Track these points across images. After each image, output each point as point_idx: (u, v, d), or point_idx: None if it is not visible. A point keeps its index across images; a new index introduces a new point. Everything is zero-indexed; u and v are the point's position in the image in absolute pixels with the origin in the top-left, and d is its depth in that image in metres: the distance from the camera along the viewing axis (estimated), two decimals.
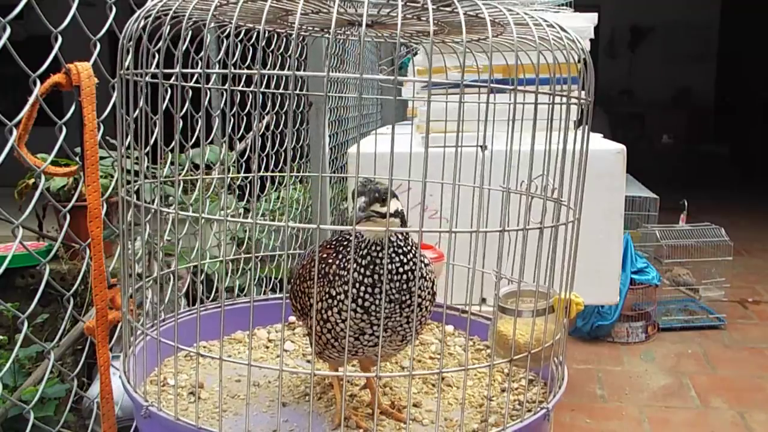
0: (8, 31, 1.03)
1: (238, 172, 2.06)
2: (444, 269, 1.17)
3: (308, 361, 1.17)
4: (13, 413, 1.40)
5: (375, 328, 0.90)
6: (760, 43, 8.96)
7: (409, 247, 0.91)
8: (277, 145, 2.16)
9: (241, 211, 2.08)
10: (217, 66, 1.82)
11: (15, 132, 1.03)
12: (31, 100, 1.02)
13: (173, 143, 1.19)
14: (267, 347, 1.25)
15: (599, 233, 1.83)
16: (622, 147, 1.89)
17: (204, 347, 1.19)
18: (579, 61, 0.92)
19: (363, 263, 0.90)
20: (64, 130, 1.20)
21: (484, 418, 0.98)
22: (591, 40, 2.00)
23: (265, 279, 2.12)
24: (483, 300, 1.30)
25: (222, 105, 1.92)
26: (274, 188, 2.30)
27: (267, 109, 2.08)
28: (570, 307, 0.96)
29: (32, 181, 2.03)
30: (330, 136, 2.61)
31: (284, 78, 2.07)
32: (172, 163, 1.40)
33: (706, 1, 9.38)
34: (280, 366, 0.82)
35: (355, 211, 0.86)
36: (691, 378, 3.11)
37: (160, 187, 0.91)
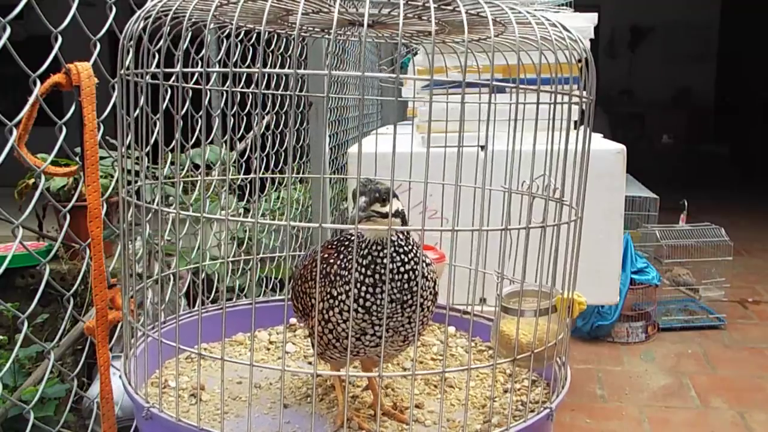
0: (8, 31, 1.03)
1: (239, 172, 2.06)
2: (445, 270, 1.16)
3: (310, 363, 1.17)
4: (13, 413, 1.40)
5: (377, 328, 0.90)
6: (760, 43, 8.96)
7: (410, 247, 0.91)
8: (277, 145, 2.16)
9: (241, 211, 2.08)
10: (218, 66, 1.82)
11: (15, 132, 1.03)
12: (31, 100, 1.02)
13: (173, 143, 1.19)
14: (268, 349, 1.25)
15: (599, 233, 1.83)
16: (622, 147, 1.89)
17: (205, 349, 1.19)
18: (580, 61, 0.91)
19: (364, 263, 0.90)
20: (64, 130, 1.20)
21: (487, 419, 0.98)
22: (591, 40, 2.00)
23: (265, 279, 2.12)
24: (483, 300, 1.30)
25: (222, 105, 1.92)
26: (275, 188, 2.30)
27: (267, 109, 2.08)
28: (573, 306, 0.96)
29: (32, 181, 2.02)
30: (330, 136, 2.61)
31: (284, 78, 2.08)
32: (172, 163, 1.40)
33: (706, 1, 9.38)
34: (282, 366, 0.82)
35: (356, 211, 0.85)
36: (691, 378, 3.11)
37: (160, 187, 0.90)
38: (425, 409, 1.04)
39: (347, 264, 0.92)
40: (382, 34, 1.12)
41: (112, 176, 1.52)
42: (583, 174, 0.92)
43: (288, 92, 1.83)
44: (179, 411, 0.87)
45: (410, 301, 0.90)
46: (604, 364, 3.31)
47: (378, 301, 0.89)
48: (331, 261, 0.95)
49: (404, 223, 0.93)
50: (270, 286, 2.14)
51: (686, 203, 4.27)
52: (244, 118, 1.94)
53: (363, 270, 0.89)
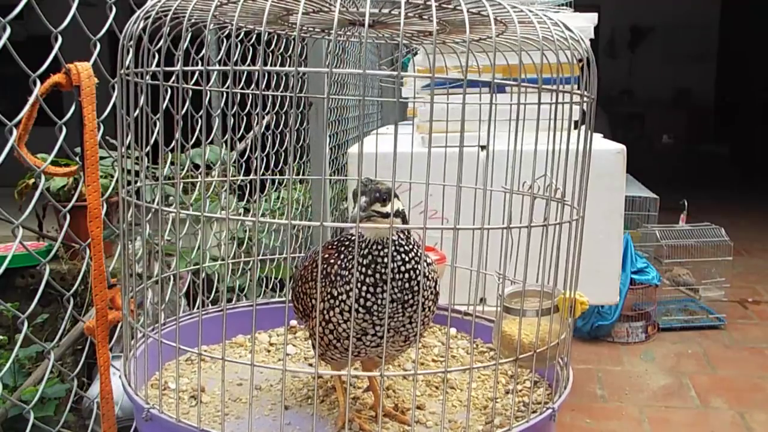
0: (8, 31, 1.03)
1: (239, 172, 2.05)
2: (446, 271, 1.16)
3: (310, 365, 1.17)
4: (13, 413, 1.40)
5: (377, 328, 0.90)
6: (760, 43, 8.96)
7: (410, 246, 0.91)
8: (277, 145, 2.16)
9: (241, 211, 2.08)
10: (218, 66, 1.82)
11: (15, 132, 1.03)
12: (31, 100, 1.02)
13: (173, 143, 1.19)
14: (268, 351, 1.24)
15: (599, 233, 1.83)
16: (622, 147, 1.89)
17: (205, 351, 1.19)
18: (581, 60, 0.91)
19: (364, 263, 0.90)
20: (64, 130, 1.20)
21: (489, 420, 0.97)
22: (591, 40, 2.00)
23: (265, 279, 2.12)
24: (483, 300, 1.30)
25: (222, 105, 1.92)
26: (275, 188, 2.30)
27: (267, 109, 2.08)
28: (575, 306, 0.96)
29: (32, 181, 2.02)
30: (330, 136, 2.61)
31: (284, 79, 2.08)
32: (172, 163, 1.40)
33: (706, 1, 9.38)
34: (283, 366, 0.82)
35: (357, 211, 0.85)
36: (691, 378, 3.11)
37: (160, 187, 0.90)
38: (427, 411, 1.04)
39: (348, 264, 0.92)
40: (382, 35, 1.12)
41: (112, 176, 1.52)
42: (585, 174, 0.92)
43: (288, 93, 1.83)
44: (179, 412, 0.87)
45: (411, 301, 0.90)
46: (604, 364, 3.31)
47: (379, 301, 0.89)
48: (332, 261, 0.95)
49: (405, 222, 0.93)
50: (270, 286, 2.14)
51: (686, 203, 4.27)
52: (244, 118, 1.94)
53: (363, 270, 0.89)
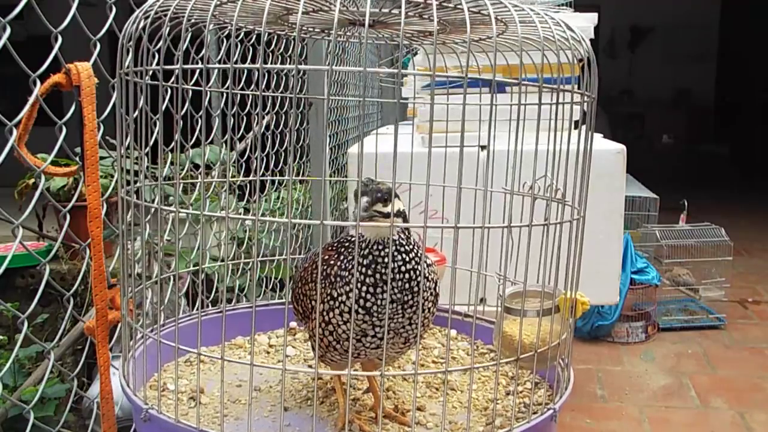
0: (8, 31, 1.02)
1: (238, 172, 2.05)
2: (446, 272, 1.16)
3: (310, 367, 1.17)
4: (13, 413, 1.40)
5: (377, 329, 0.90)
6: (760, 43, 8.96)
7: (410, 246, 0.91)
8: (277, 145, 2.16)
9: (242, 211, 2.08)
10: (217, 69, 1.82)
11: (15, 132, 1.02)
12: (31, 100, 1.02)
13: (173, 143, 1.19)
14: (268, 352, 1.24)
15: (599, 233, 1.83)
16: (622, 147, 1.89)
17: (204, 352, 1.19)
18: (581, 60, 0.91)
19: (365, 263, 0.89)
20: (64, 130, 1.20)
21: (490, 421, 0.97)
22: (591, 40, 2.00)
23: (265, 279, 2.12)
24: (483, 300, 1.30)
25: (222, 105, 1.92)
26: (274, 188, 2.30)
27: (267, 109, 2.08)
28: (576, 306, 0.95)
29: (32, 181, 2.02)
30: (330, 136, 2.61)
31: (284, 79, 2.08)
32: (172, 163, 1.40)
33: (706, 1, 9.38)
34: (282, 366, 0.82)
35: (358, 211, 0.85)
36: (691, 378, 3.11)
37: (160, 187, 0.90)
38: (427, 412, 1.03)
39: (347, 264, 0.91)
40: (382, 35, 1.12)
41: (112, 176, 1.52)
42: (585, 173, 0.92)
43: (288, 94, 1.83)
44: (178, 413, 0.86)
45: (411, 302, 0.90)
46: (604, 364, 3.31)
47: (379, 302, 0.88)
48: (332, 262, 0.94)
49: (405, 222, 0.93)
50: (270, 286, 2.14)
51: (686, 203, 4.27)
52: (244, 118, 1.94)
53: (364, 270, 0.89)
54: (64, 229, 1.27)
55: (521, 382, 1.11)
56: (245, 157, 2.07)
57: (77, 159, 1.58)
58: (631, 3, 9.24)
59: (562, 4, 2.47)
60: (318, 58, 2.15)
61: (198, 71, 0.85)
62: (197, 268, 1.33)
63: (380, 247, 0.89)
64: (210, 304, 1.79)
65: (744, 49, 9.12)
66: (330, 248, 0.98)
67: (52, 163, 1.13)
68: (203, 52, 1.41)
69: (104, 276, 1.00)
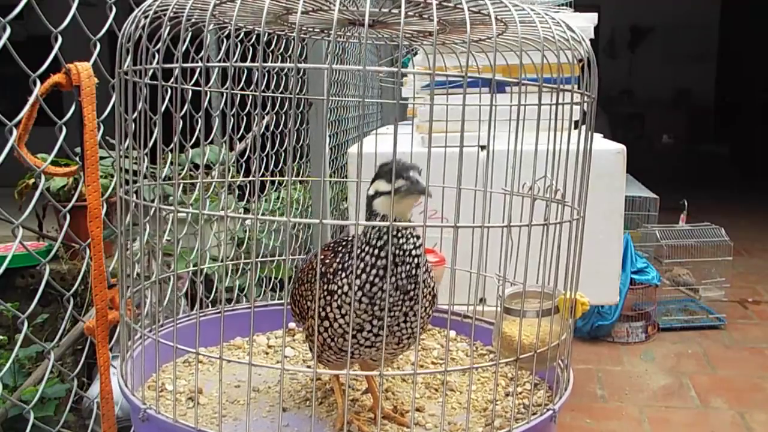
0: (8, 31, 1.02)
1: (238, 172, 2.05)
2: (446, 273, 1.16)
3: (309, 367, 1.17)
4: (13, 413, 1.40)
5: (375, 321, 0.89)
6: (760, 43, 8.96)
7: (417, 234, 0.90)
8: (277, 145, 2.16)
9: (241, 211, 2.08)
10: (218, 69, 1.82)
11: (15, 132, 1.02)
12: (31, 100, 1.02)
13: (173, 143, 1.19)
14: (267, 353, 1.24)
15: (599, 233, 1.83)
16: (622, 147, 1.89)
17: (203, 353, 1.19)
18: (581, 60, 0.91)
19: (378, 245, 0.88)
20: (64, 130, 1.20)
21: (489, 422, 0.97)
22: (591, 40, 2.00)
23: (265, 279, 2.12)
24: (482, 300, 1.30)
25: (222, 105, 1.92)
26: (274, 188, 2.30)
27: (267, 109, 2.08)
28: (575, 307, 0.95)
29: (32, 181, 2.02)
30: (330, 136, 2.61)
31: (284, 79, 2.08)
32: (172, 163, 1.40)
33: (706, 1, 9.38)
34: (281, 366, 0.82)
35: (426, 183, 0.83)
36: (691, 378, 3.11)
37: (159, 187, 0.90)
38: (426, 413, 1.03)
39: (348, 259, 0.91)
40: (382, 35, 1.12)
41: (112, 176, 1.52)
42: (585, 173, 0.92)
43: (287, 94, 1.83)
44: (176, 413, 0.86)
45: (412, 293, 0.89)
46: (604, 364, 3.31)
47: (384, 287, 0.87)
48: (328, 261, 0.94)
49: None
50: (270, 287, 2.14)
51: (686, 203, 4.27)
52: (244, 117, 1.94)
53: (376, 252, 0.88)
54: (64, 229, 1.27)
55: (521, 382, 1.11)
56: (245, 158, 2.07)
57: (77, 159, 1.58)
58: (631, 3, 9.24)
59: (562, 4, 2.47)
60: (318, 58, 2.15)
61: (198, 71, 0.85)
62: (196, 268, 1.32)
63: (395, 229, 0.89)
64: (210, 305, 1.79)
65: (744, 49, 9.12)
66: (327, 249, 0.98)
67: (52, 163, 1.13)
68: (203, 51, 1.41)
69: (104, 276, 1.00)
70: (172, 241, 1.59)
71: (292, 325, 1.31)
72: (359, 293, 0.88)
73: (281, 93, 1.89)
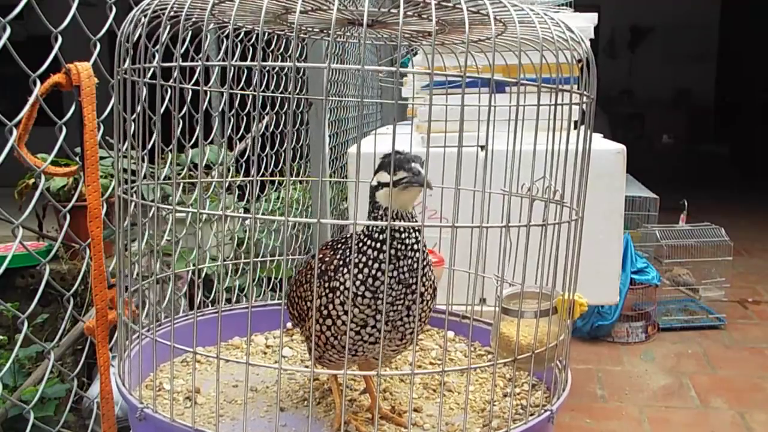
0: (8, 31, 1.03)
1: (238, 172, 2.06)
2: (444, 274, 1.16)
3: (307, 367, 1.17)
4: (13, 413, 1.40)
5: (378, 317, 0.89)
6: (760, 43, 8.96)
7: (419, 230, 0.90)
8: (277, 145, 2.16)
9: (241, 211, 2.08)
10: (217, 69, 1.82)
11: (15, 132, 1.03)
12: (31, 100, 1.02)
13: (172, 143, 1.19)
14: (265, 353, 1.24)
15: (599, 233, 1.83)
16: (622, 147, 1.89)
17: (200, 352, 1.19)
18: (581, 61, 0.91)
19: (381, 238, 0.88)
20: (64, 130, 1.20)
21: (486, 423, 0.97)
22: (591, 40, 2.00)
23: (265, 279, 2.12)
24: (483, 300, 1.30)
25: (222, 105, 1.92)
26: (274, 188, 2.31)
27: (266, 109, 2.08)
28: (573, 308, 0.95)
29: (32, 181, 2.02)
30: (330, 136, 2.61)
31: (284, 79, 2.08)
32: (173, 164, 1.40)
33: (706, 1, 9.38)
34: (278, 365, 0.82)
35: (422, 176, 0.84)
36: (691, 378, 3.11)
37: (158, 187, 0.90)
38: (424, 413, 1.03)
39: (349, 254, 0.91)
40: (381, 35, 1.12)
41: (113, 176, 1.52)
42: (584, 174, 0.92)
43: (286, 94, 1.83)
44: (173, 413, 0.86)
45: (414, 287, 0.89)
46: (604, 364, 3.31)
47: (387, 280, 0.87)
48: (327, 260, 0.94)
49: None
50: (270, 286, 2.14)
51: (686, 203, 4.27)
52: (244, 118, 1.94)
53: (379, 246, 0.88)
54: (64, 229, 1.27)
55: (518, 383, 1.11)
56: (245, 157, 2.07)
57: (77, 159, 1.58)
58: (631, 3, 9.24)
59: (562, 4, 2.47)
60: (318, 58, 2.16)
61: (198, 71, 0.85)
62: (193, 268, 1.32)
63: (400, 221, 0.89)
64: (210, 305, 1.79)
65: (744, 49, 9.11)
66: (326, 247, 0.98)
67: (52, 163, 1.13)
68: (202, 51, 1.41)
69: (104, 276, 1.00)
70: (172, 241, 1.59)
71: (290, 324, 1.31)
72: (362, 288, 0.88)
73: (280, 93, 1.89)
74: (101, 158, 1.15)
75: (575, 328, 3.52)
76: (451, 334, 1.29)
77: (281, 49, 2.10)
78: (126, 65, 0.89)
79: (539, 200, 0.92)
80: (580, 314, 0.97)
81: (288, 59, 2.17)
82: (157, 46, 0.83)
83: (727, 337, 3.63)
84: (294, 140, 2.36)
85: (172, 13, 0.84)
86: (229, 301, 1.86)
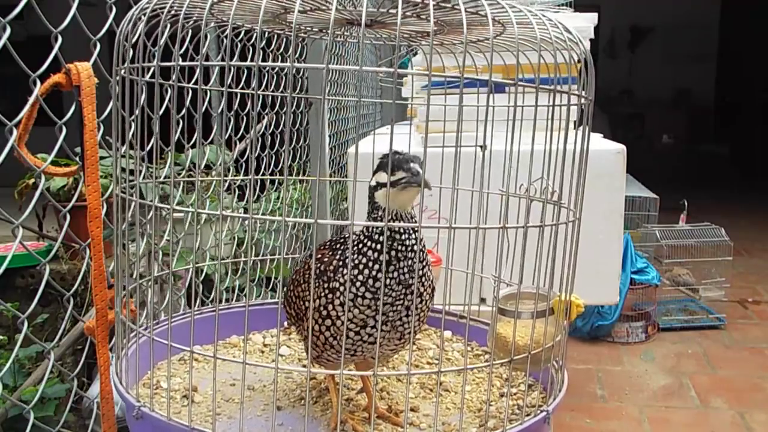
0: (8, 31, 1.03)
1: (238, 172, 2.06)
2: (442, 274, 1.16)
3: (304, 366, 1.17)
4: (13, 413, 1.40)
5: (378, 317, 0.89)
6: (760, 43, 8.96)
7: (416, 226, 0.91)
8: (277, 145, 2.16)
9: (241, 211, 2.08)
10: (217, 68, 1.82)
11: (15, 132, 1.03)
12: (31, 100, 1.02)
13: (171, 143, 1.19)
14: (262, 352, 1.24)
15: (599, 233, 1.83)
16: (622, 147, 1.89)
17: (198, 351, 1.19)
18: (579, 61, 0.91)
19: (381, 240, 0.88)
20: (64, 130, 1.20)
21: (483, 423, 0.97)
22: (591, 40, 2.00)
23: (265, 279, 2.12)
24: (483, 300, 1.30)
25: (222, 105, 1.92)
26: (274, 188, 2.31)
27: (267, 109, 2.08)
28: (570, 309, 0.95)
29: (32, 181, 2.03)
30: (330, 136, 2.61)
31: (283, 79, 2.08)
32: (176, 164, 1.40)
33: (706, 1, 9.38)
34: (275, 365, 0.82)
35: (421, 176, 0.84)
36: (691, 378, 3.11)
37: (157, 187, 0.91)
38: (420, 413, 1.03)
39: (359, 249, 0.90)
40: (380, 35, 1.12)
41: (113, 176, 1.52)
42: (582, 175, 0.92)
43: (285, 93, 1.83)
44: (170, 411, 0.86)
45: (413, 287, 0.89)
46: (604, 364, 3.31)
47: (387, 281, 0.87)
48: (326, 260, 0.94)
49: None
50: (270, 286, 2.14)
51: (686, 203, 4.27)
52: (244, 118, 1.94)
53: (379, 247, 0.88)
54: (64, 229, 1.27)
55: (515, 383, 1.11)
56: (245, 157, 2.07)
57: (77, 159, 1.58)
58: (631, 3, 9.24)
59: (562, 4, 2.47)
60: (318, 57, 2.15)
61: (197, 71, 0.85)
62: (189, 266, 1.32)
63: (398, 222, 0.89)
64: (210, 304, 1.79)
65: (744, 49, 9.11)
66: (324, 247, 0.98)
67: (52, 163, 1.13)
68: (201, 50, 1.41)
69: (104, 276, 1.01)
70: (171, 241, 1.59)
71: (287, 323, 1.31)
72: (362, 288, 0.88)
73: (280, 92, 1.89)
74: (101, 158, 1.16)
75: (575, 328, 3.52)
76: (448, 333, 1.29)
77: (281, 49, 2.10)
78: (125, 64, 0.89)
79: (537, 201, 0.92)
80: (577, 315, 0.97)
81: (287, 59, 2.17)
82: (156, 44, 0.84)
83: (727, 337, 3.63)
84: (294, 140, 2.36)
85: (171, 12, 0.84)
86: (228, 301, 1.86)
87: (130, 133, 1.00)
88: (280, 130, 2.19)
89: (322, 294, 0.91)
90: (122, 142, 0.96)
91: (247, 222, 1.99)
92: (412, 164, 0.86)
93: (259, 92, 0.79)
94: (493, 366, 0.99)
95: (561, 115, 0.88)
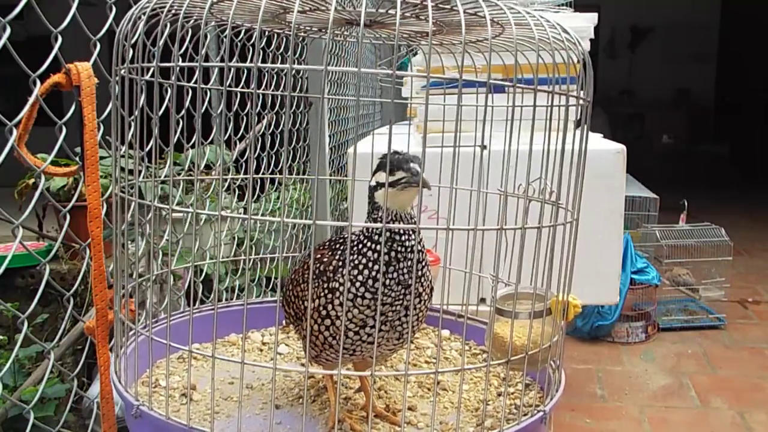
0: (8, 31, 1.03)
1: (238, 172, 2.06)
2: (440, 273, 1.16)
3: (302, 365, 1.17)
4: (13, 413, 1.40)
5: (377, 317, 0.89)
6: (760, 43, 8.96)
7: (414, 227, 0.90)
8: (277, 145, 2.16)
9: (241, 211, 2.08)
10: (217, 68, 1.82)
11: (15, 132, 1.03)
12: (31, 100, 1.02)
13: (171, 143, 1.19)
14: (261, 350, 1.24)
15: (599, 233, 1.83)
16: (622, 147, 1.89)
17: (197, 349, 1.19)
18: (578, 62, 0.91)
19: (379, 240, 0.88)
20: (64, 130, 1.20)
21: (480, 422, 0.97)
22: (591, 40, 2.00)
23: (266, 279, 2.12)
24: (482, 300, 1.30)
25: (222, 105, 1.92)
26: (274, 188, 2.31)
27: (267, 109, 2.08)
28: (567, 309, 0.96)
29: (32, 181, 2.03)
30: (330, 136, 2.61)
31: (283, 79, 2.07)
32: (176, 164, 1.40)
33: (706, 1, 9.38)
34: (274, 364, 0.82)
35: (420, 176, 0.83)
36: (691, 378, 3.11)
37: (156, 186, 0.91)
38: (418, 412, 1.03)
39: (358, 249, 0.90)
40: (380, 35, 1.12)
41: (112, 176, 1.52)
42: (580, 176, 0.92)
43: (284, 93, 1.83)
44: (169, 410, 0.86)
45: (412, 288, 0.89)
46: (604, 364, 3.31)
47: (386, 281, 0.87)
48: (326, 260, 0.94)
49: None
50: (270, 286, 2.14)
51: (686, 203, 4.27)
52: (244, 117, 1.94)
53: (379, 248, 0.88)
54: (64, 229, 1.27)
55: (512, 383, 1.11)
56: (245, 157, 2.07)
57: (77, 159, 1.58)
58: (631, 3, 9.24)
59: (562, 4, 2.47)
60: (317, 57, 2.15)
61: (197, 70, 0.85)
62: (188, 265, 1.32)
63: (397, 222, 0.89)
64: (208, 303, 1.79)
65: (744, 49, 9.11)
66: (323, 247, 0.98)
67: (52, 163, 1.13)
68: (200, 50, 1.41)
69: (104, 276, 1.01)
70: (170, 241, 1.59)
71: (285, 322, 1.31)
72: (362, 289, 0.88)
73: (279, 92, 1.89)
74: (101, 158, 1.16)
75: (575, 327, 3.52)
76: (446, 332, 1.29)
77: (281, 49, 2.10)
78: (125, 64, 0.89)
79: (535, 201, 0.92)
80: (575, 315, 0.98)
81: (287, 59, 2.18)
82: (156, 44, 0.84)
83: (727, 337, 3.64)
84: (294, 140, 2.36)
85: (171, 12, 0.84)
86: (228, 300, 1.86)
87: (130, 133, 1.00)
88: (279, 130, 2.20)
89: (322, 294, 0.91)
90: (122, 142, 0.96)
91: (246, 222, 1.99)
92: (411, 164, 0.86)
93: (258, 92, 0.79)
94: (491, 366, 0.99)
95: (559, 116, 0.88)
